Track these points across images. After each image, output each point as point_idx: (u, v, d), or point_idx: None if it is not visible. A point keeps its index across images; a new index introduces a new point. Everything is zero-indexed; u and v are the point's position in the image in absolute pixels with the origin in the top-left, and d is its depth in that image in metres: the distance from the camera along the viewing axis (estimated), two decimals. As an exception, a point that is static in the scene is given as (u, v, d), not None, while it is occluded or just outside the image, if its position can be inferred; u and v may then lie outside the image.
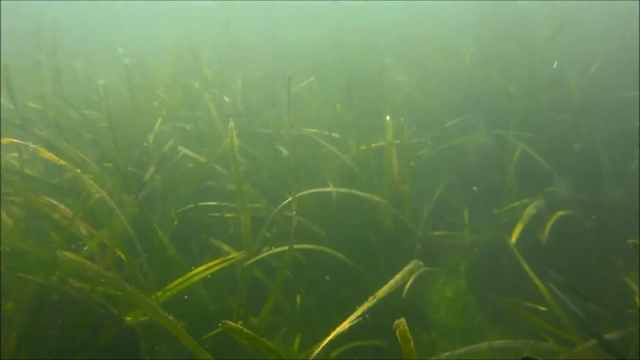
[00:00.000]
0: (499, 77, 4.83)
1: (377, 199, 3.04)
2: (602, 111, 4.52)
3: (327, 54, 5.83)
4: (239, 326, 2.17)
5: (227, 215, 3.55)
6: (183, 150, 3.43)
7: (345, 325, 1.68)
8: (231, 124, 2.73)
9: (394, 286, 1.61)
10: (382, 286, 3.35)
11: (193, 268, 2.76)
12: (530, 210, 3.57)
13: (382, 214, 3.28)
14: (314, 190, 3.03)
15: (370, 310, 1.71)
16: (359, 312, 1.65)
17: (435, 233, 4.06)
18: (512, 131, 4.36)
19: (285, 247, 2.64)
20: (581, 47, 5.52)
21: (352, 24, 8.49)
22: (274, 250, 2.74)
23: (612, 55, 4.58)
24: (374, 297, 1.62)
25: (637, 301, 2.65)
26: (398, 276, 1.63)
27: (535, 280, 2.36)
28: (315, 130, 4.53)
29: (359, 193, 2.99)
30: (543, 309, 2.82)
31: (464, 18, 6.78)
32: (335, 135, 4.45)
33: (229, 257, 2.87)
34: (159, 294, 2.48)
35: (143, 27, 11.91)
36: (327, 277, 3.35)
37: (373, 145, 3.58)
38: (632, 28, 5.61)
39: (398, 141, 3.51)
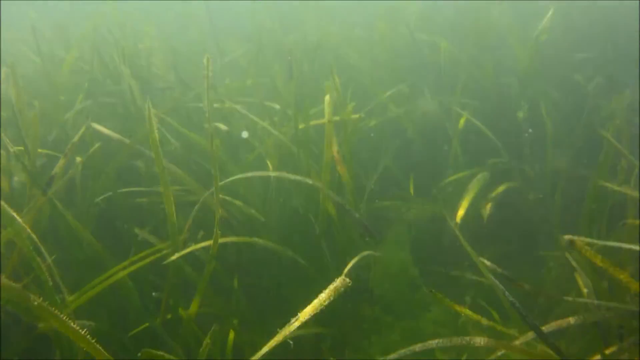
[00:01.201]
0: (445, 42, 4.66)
1: (310, 181, 2.86)
2: (549, 75, 4.43)
3: (266, 17, 5.49)
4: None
5: (155, 200, 3.32)
6: (103, 130, 3.14)
7: (269, 346, 1.52)
8: (148, 102, 2.46)
9: (318, 306, 1.45)
10: (321, 273, 3.24)
11: (116, 264, 2.55)
12: (473, 185, 3.49)
13: (322, 196, 3.12)
14: (242, 175, 2.83)
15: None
16: (280, 337, 1.49)
17: (378, 204, 3.95)
18: (456, 98, 4.24)
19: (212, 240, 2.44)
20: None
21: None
22: (200, 245, 2.54)
23: (562, 12, 4.45)
24: (297, 319, 1.46)
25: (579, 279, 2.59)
26: (323, 295, 1.47)
27: (475, 258, 2.25)
28: (251, 100, 4.28)
29: (291, 176, 2.81)
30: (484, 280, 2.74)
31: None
32: (275, 105, 4.22)
33: (154, 249, 2.66)
34: (71, 298, 2.26)
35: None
36: (265, 267, 3.19)
37: (312, 122, 3.38)
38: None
39: (337, 118, 3.32)
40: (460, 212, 3.30)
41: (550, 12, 4.08)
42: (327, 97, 2.90)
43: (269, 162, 3.61)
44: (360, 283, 3.35)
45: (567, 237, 1.94)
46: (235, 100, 4.07)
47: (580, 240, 1.96)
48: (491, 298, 2.89)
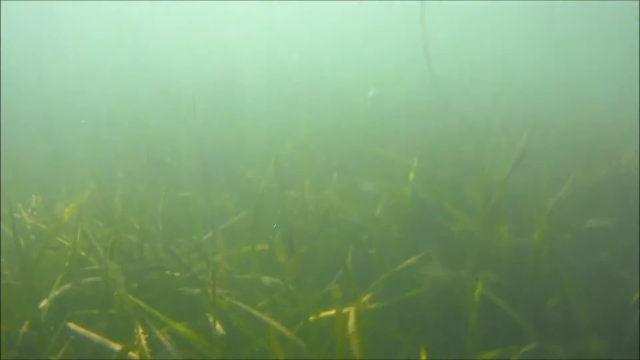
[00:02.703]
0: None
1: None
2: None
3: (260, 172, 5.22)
4: None
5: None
6: (82, 332, 2.69)
7: None
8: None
9: None
10: None
11: None
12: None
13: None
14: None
15: None
16: None
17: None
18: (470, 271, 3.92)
19: None
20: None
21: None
22: None
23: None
24: None
25: None
26: None
27: None
28: (249, 277, 3.89)
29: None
30: None
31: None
32: (277, 280, 3.83)
33: None
34: None
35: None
36: None
37: (324, 314, 2.98)
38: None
39: (349, 309, 2.93)
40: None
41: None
42: (351, 311, 2.53)
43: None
44: None
45: None
46: (233, 278, 3.70)
47: None
48: None
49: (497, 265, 4.04)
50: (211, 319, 2.88)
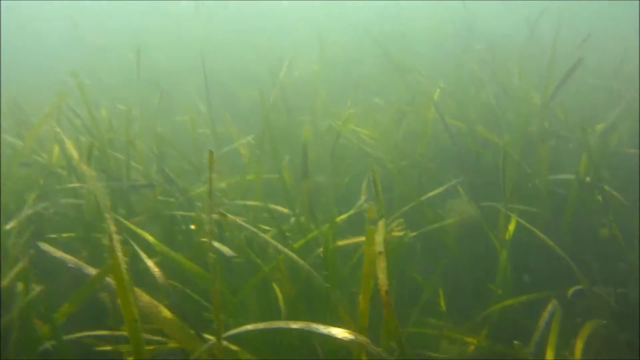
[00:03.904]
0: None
1: (350, 336, 1.97)
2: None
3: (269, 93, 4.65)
4: None
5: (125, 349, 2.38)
6: (54, 252, 2.24)
7: None
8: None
9: None
10: None
11: None
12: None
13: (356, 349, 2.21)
14: (250, 327, 1.96)
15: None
16: None
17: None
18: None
19: None
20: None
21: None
22: None
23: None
24: None
25: None
26: None
27: None
28: (254, 203, 3.43)
29: (322, 329, 1.93)
30: None
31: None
32: (284, 210, 3.37)
33: None
34: None
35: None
36: None
37: (342, 243, 2.52)
38: None
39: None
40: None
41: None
42: (380, 223, 2.05)
43: (279, 292, 2.70)
44: None
45: None
46: (235, 204, 3.23)
47: None
48: None
49: (536, 199, 3.55)
50: (206, 241, 2.42)
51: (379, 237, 2.01)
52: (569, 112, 3.79)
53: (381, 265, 2.04)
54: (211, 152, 2.01)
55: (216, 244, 2.40)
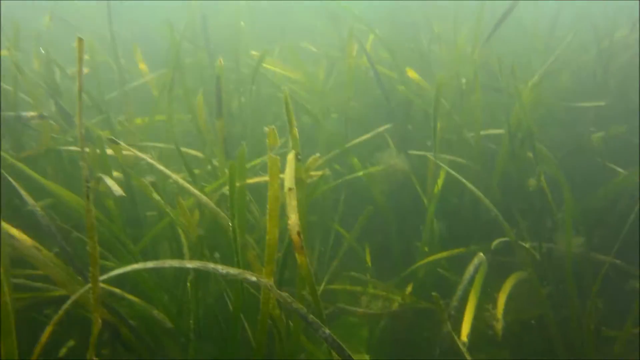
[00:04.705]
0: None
1: (253, 277, 1.71)
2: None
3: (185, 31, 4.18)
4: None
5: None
6: None
7: None
8: None
9: None
10: None
11: None
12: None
13: (263, 296, 1.96)
14: (139, 266, 1.66)
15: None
16: None
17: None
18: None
19: None
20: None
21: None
22: None
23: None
24: None
25: None
26: None
27: None
28: (163, 146, 3.09)
29: (221, 268, 1.66)
30: None
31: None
32: (197, 154, 3.05)
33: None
34: None
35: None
36: None
37: (251, 180, 2.24)
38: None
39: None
40: (465, 329, 2.25)
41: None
42: (290, 156, 1.78)
43: (183, 238, 2.41)
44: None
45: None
46: (141, 145, 2.88)
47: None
48: None
49: (467, 150, 3.38)
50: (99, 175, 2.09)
51: (290, 172, 1.74)
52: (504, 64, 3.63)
53: (292, 204, 1.77)
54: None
55: (105, 178, 2.06)
